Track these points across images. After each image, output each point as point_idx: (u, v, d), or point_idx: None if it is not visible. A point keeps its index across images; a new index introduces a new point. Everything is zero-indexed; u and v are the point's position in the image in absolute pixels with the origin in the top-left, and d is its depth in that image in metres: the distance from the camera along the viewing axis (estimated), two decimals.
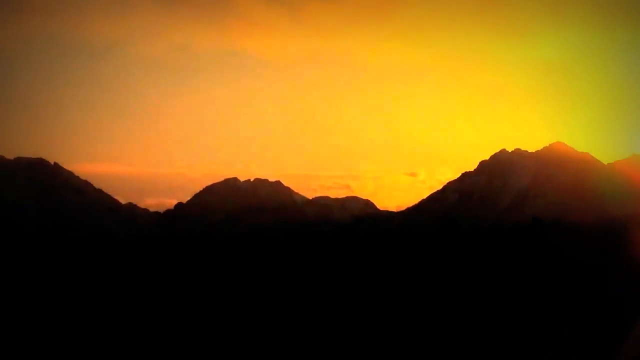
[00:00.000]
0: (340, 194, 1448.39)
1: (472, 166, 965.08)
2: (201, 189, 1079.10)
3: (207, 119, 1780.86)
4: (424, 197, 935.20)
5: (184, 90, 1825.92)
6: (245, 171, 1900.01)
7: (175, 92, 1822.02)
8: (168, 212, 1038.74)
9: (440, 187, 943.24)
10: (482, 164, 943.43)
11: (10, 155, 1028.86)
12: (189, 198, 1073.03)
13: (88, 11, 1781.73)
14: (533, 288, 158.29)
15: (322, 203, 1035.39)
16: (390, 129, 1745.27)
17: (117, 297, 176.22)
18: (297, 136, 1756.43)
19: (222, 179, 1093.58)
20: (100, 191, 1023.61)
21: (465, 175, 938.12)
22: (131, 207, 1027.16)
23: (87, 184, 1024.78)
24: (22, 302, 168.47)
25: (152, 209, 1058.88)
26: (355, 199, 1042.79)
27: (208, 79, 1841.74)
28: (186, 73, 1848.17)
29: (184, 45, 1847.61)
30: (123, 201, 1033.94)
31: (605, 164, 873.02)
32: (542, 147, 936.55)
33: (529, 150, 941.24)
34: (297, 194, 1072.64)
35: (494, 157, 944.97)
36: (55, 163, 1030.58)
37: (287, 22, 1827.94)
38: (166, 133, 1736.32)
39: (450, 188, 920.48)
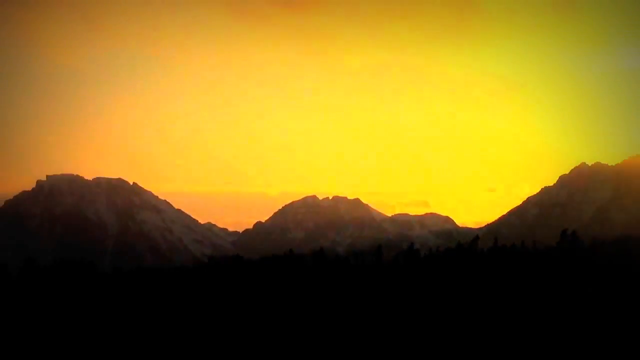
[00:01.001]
0: (419, 211, 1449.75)
1: (552, 180, 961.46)
2: (280, 207, 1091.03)
3: (285, 139, 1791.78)
4: (504, 212, 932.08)
5: (260, 110, 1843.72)
6: (324, 189, 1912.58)
7: (252, 112, 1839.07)
8: (247, 231, 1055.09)
9: (519, 202, 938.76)
10: (562, 178, 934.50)
11: (90, 175, 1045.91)
12: (268, 217, 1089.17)
13: (159, 32, 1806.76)
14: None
15: (402, 220, 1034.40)
16: (468, 145, 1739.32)
17: (197, 315, 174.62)
18: (374, 153, 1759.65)
19: (301, 197, 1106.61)
20: (179, 211, 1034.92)
21: (546, 189, 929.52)
22: (210, 226, 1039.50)
23: (166, 203, 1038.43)
24: (106, 316, 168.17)
25: (230, 228, 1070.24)
26: (434, 216, 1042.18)
27: (286, 98, 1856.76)
28: (266, 92, 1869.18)
29: (250, 64, 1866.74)
30: (202, 221, 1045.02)
31: None
32: (622, 161, 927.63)
33: (609, 164, 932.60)
34: (376, 211, 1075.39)
35: (574, 171, 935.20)
36: (134, 183, 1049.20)
37: (383, 36, 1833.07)
38: (244, 153, 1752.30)
39: (530, 202, 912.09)
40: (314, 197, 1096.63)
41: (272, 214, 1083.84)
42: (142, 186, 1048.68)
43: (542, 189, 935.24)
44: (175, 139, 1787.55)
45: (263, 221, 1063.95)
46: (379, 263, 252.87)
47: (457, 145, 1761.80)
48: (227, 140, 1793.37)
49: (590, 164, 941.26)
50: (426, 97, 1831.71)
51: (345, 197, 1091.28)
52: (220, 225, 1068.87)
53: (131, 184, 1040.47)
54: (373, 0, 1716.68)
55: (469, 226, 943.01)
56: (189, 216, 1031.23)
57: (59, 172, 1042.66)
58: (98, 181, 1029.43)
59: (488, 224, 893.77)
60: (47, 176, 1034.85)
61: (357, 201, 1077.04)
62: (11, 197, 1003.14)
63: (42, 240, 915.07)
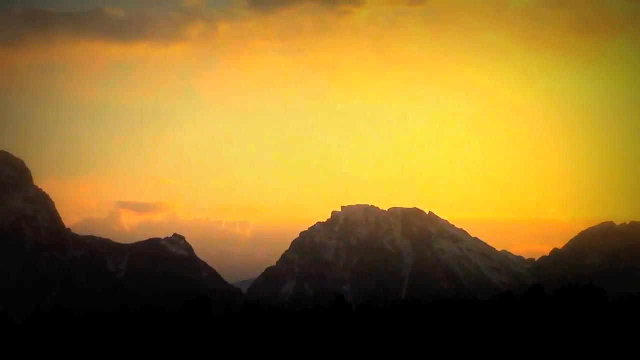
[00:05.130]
0: None
1: None
2: (577, 234, 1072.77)
3: (570, 163, 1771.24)
4: None
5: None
6: (619, 214, 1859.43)
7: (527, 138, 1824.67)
8: (543, 258, 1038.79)
9: None
10: None
11: (385, 206, 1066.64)
12: (561, 243, 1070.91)
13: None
14: None
15: None
16: None
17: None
18: None
19: (596, 223, 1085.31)
20: (475, 239, 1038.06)
21: None
22: (505, 254, 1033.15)
23: (462, 231, 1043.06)
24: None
25: (525, 256, 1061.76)
26: None
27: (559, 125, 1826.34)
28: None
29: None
30: (498, 248, 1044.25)
31: None
32: None
33: None
34: None
35: None
36: (430, 212, 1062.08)
37: None
38: (529, 179, 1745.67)
39: None
40: (611, 222, 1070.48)
41: (565, 240, 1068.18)
42: (438, 215, 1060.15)
43: None
44: (464, 167, 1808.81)
45: (559, 247, 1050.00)
46: None
47: None
48: (510, 167, 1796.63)
49: None
50: None
51: None
52: (515, 252, 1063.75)
53: (427, 212, 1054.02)
54: None
55: None
56: (485, 244, 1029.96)
57: (353, 203, 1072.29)
58: (393, 211, 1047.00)
59: None
60: (341, 207, 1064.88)
61: None
62: (306, 229, 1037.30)
63: (338, 271, 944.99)
